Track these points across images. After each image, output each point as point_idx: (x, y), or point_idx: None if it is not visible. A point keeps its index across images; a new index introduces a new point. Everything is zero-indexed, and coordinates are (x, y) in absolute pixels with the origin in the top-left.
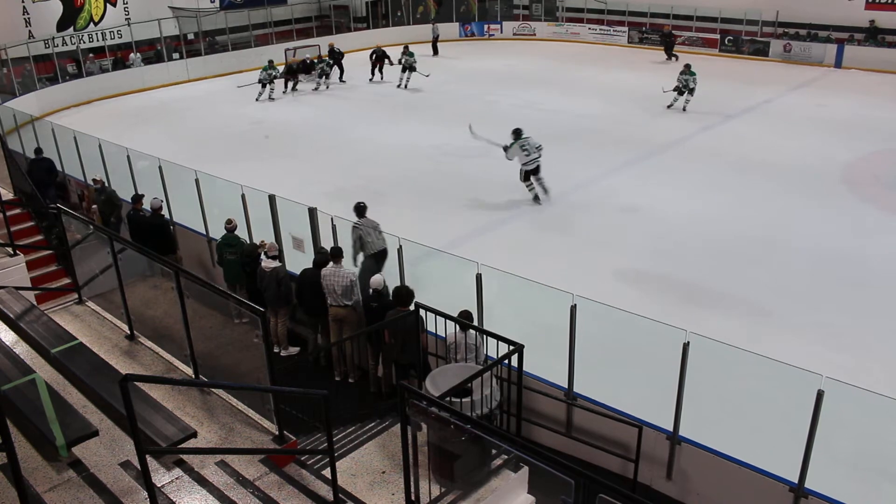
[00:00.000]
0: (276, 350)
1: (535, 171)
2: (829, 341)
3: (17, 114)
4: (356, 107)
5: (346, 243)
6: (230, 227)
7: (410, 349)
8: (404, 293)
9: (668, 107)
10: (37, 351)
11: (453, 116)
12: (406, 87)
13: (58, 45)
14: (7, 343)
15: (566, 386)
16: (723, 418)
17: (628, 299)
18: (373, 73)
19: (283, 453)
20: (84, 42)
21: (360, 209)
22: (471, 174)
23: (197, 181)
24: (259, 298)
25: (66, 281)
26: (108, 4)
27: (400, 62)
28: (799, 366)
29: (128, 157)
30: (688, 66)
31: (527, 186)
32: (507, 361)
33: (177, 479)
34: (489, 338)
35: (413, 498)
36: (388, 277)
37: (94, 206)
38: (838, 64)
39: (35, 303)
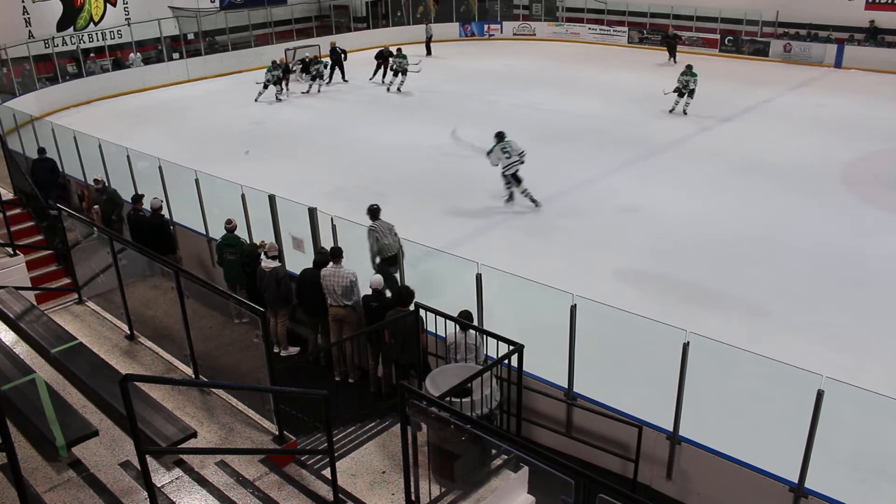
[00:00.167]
0: (276, 350)
1: (516, 176)
2: (829, 341)
3: (17, 114)
4: (356, 107)
5: (347, 244)
6: (230, 227)
7: (410, 349)
8: (404, 293)
9: (670, 111)
10: (37, 351)
11: (453, 116)
12: (399, 90)
13: (58, 45)
14: (7, 343)
15: (566, 386)
16: (723, 418)
17: (628, 299)
18: (374, 73)
19: (283, 453)
20: (84, 42)
21: (374, 212)
22: (471, 174)
23: (197, 181)
24: (259, 298)
25: (66, 281)
26: (108, 4)
27: (391, 67)
28: (799, 366)
29: (128, 157)
30: (689, 67)
31: (506, 185)
32: (507, 361)
33: (177, 479)
34: (489, 338)
35: (413, 498)
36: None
37: (96, 207)
38: (838, 64)
39: (35, 303)
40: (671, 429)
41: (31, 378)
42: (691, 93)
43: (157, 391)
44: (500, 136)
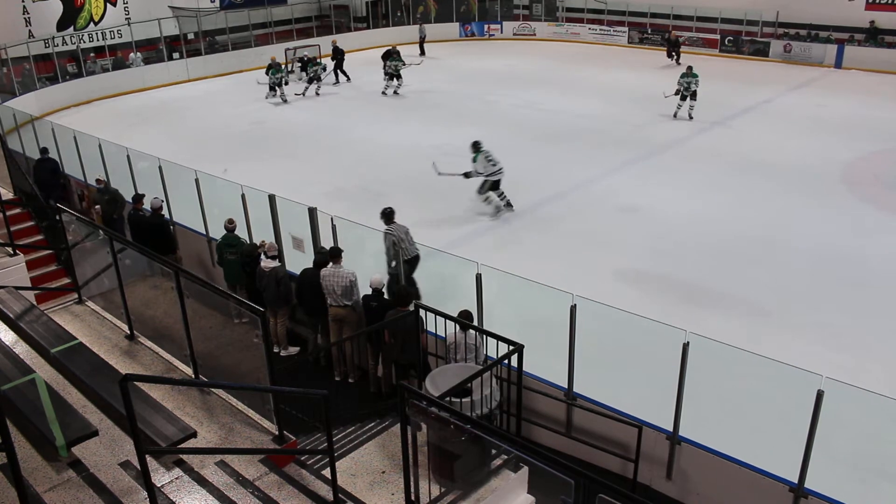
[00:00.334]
0: (275, 350)
1: (497, 184)
2: (829, 341)
3: (17, 113)
4: (356, 107)
5: (346, 244)
6: (230, 227)
7: (410, 349)
8: (404, 293)
9: (674, 115)
10: (37, 351)
11: (453, 116)
12: (396, 93)
13: (58, 45)
14: (7, 343)
15: (566, 386)
16: (723, 418)
17: (628, 299)
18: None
19: (283, 453)
20: (84, 42)
21: (388, 215)
22: None
23: (197, 181)
24: (259, 298)
25: (66, 281)
26: (108, 4)
27: (385, 70)
28: (799, 366)
29: (128, 156)
30: (689, 69)
31: (484, 200)
32: (506, 361)
33: (177, 479)
34: (489, 338)
35: (413, 498)
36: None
37: (97, 207)
38: (838, 64)
39: (35, 302)
40: (671, 429)
41: (31, 378)
42: (694, 94)
43: (156, 391)
44: (478, 146)
